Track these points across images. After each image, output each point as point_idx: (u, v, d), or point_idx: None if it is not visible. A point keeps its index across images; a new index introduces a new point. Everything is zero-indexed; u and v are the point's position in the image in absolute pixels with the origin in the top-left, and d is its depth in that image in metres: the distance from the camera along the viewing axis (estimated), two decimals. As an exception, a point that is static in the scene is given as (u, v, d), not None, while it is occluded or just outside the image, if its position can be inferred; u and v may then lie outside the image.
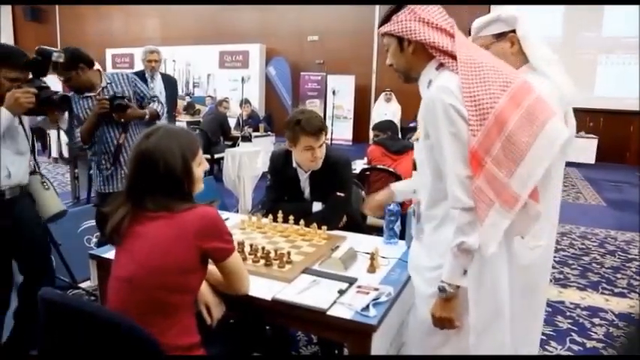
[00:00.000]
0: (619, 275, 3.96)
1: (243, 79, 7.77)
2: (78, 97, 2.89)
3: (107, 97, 2.81)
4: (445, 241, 1.45)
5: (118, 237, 1.47)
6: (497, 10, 1.86)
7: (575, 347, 2.78)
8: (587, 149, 9.71)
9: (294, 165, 2.52)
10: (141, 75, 4.55)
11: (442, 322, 1.48)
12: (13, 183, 2.24)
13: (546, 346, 2.73)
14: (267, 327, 2.33)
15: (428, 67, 1.51)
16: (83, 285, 3.27)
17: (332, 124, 8.91)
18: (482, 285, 1.46)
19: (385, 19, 1.54)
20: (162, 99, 3.75)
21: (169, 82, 5.11)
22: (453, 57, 1.43)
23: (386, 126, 4.12)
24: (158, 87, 4.81)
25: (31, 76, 2.26)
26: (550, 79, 1.68)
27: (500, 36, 1.76)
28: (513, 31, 1.74)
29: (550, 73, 1.69)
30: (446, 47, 1.43)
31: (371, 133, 7.14)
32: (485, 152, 1.33)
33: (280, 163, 2.59)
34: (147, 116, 3.01)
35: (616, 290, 3.63)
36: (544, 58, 1.73)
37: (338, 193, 2.44)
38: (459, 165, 1.37)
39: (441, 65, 1.47)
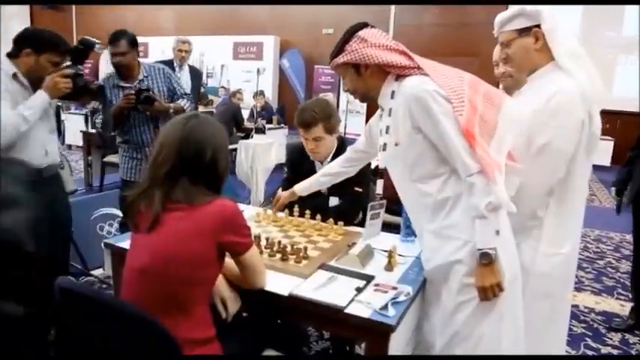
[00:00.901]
0: (635, 280, 3.88)
1: (258, 71, 7.73)
2: (114, 84, 2.99)
3: (134, 90, 2.88)
4: (465, 217, 1.55)
5: (135, 225, 1.45)
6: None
7: (590, 352, 2.73)
8: (602, 151, 9.54)
9: (312, 158, 2.48)
10: (169, 64, 4.58)
11: (493, 289, 1.53)
12: (50, 161, 2.37)
13: (561, 351, 2.69)
14: (279, 321, 2.31)
15: (386, 82, 1.66)
16: (95, 272, 3.28)
17: (345, 119, 8.82)
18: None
19: (338, 52, 1.66)
20: (188, 90, 3.80)
21: (195, 74, 5.19)
22: (409, 68, 1.60)
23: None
24: (185, 77, 4.85)
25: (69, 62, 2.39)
26: (574, 77, 1.62)
27: (523, 31, 1.68)
28: (538, 25, 1.66)
29: (574, 71, 1.63)
30: (402, 63, 1.60)
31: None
32: (473, 128, 1.49)
33: (296, 156, 2.57)
34: (171, 110, 3.05)
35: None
36: (570, 55, 1.66)
37: (356, 189, 2.40)
38: (460, 138, 1.50)
39: (399, 76, 1.63)
